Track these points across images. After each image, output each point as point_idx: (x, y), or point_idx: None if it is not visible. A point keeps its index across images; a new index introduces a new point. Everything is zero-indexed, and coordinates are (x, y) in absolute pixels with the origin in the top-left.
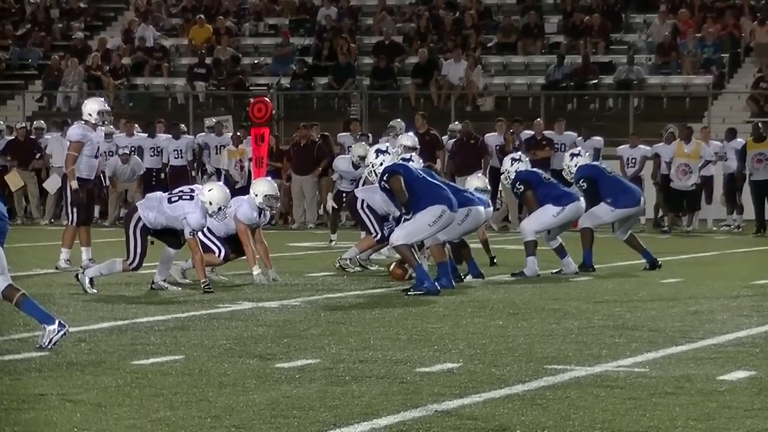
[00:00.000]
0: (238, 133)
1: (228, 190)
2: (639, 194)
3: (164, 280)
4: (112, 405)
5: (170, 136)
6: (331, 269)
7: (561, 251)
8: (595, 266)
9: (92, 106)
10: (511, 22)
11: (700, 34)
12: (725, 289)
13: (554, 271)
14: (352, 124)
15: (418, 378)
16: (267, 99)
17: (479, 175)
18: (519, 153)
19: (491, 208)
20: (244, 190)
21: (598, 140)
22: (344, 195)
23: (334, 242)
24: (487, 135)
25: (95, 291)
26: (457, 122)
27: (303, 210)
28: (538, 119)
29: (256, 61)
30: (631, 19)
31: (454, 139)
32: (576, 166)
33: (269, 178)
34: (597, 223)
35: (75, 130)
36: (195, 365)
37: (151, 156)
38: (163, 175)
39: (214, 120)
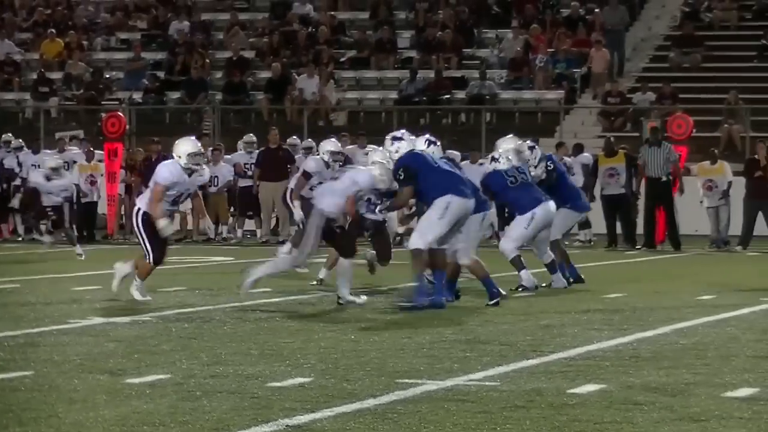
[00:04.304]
0: (91, 148)
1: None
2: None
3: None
4: None
5: (30, 151)
6: (184, 284)
7: (552, 267)
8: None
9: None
10: (364, 37)
11: (552, 49)
12: (576, 303)
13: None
14: (203, 139)
15: (269, 393)
16: (120, 114)
17: None
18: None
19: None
20: (94, 205)
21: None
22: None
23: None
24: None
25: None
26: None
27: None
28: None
29: (107, 76)
30: (483, 35)
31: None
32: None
33: (191, 137)
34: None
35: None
36: (45, 381)
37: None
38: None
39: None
